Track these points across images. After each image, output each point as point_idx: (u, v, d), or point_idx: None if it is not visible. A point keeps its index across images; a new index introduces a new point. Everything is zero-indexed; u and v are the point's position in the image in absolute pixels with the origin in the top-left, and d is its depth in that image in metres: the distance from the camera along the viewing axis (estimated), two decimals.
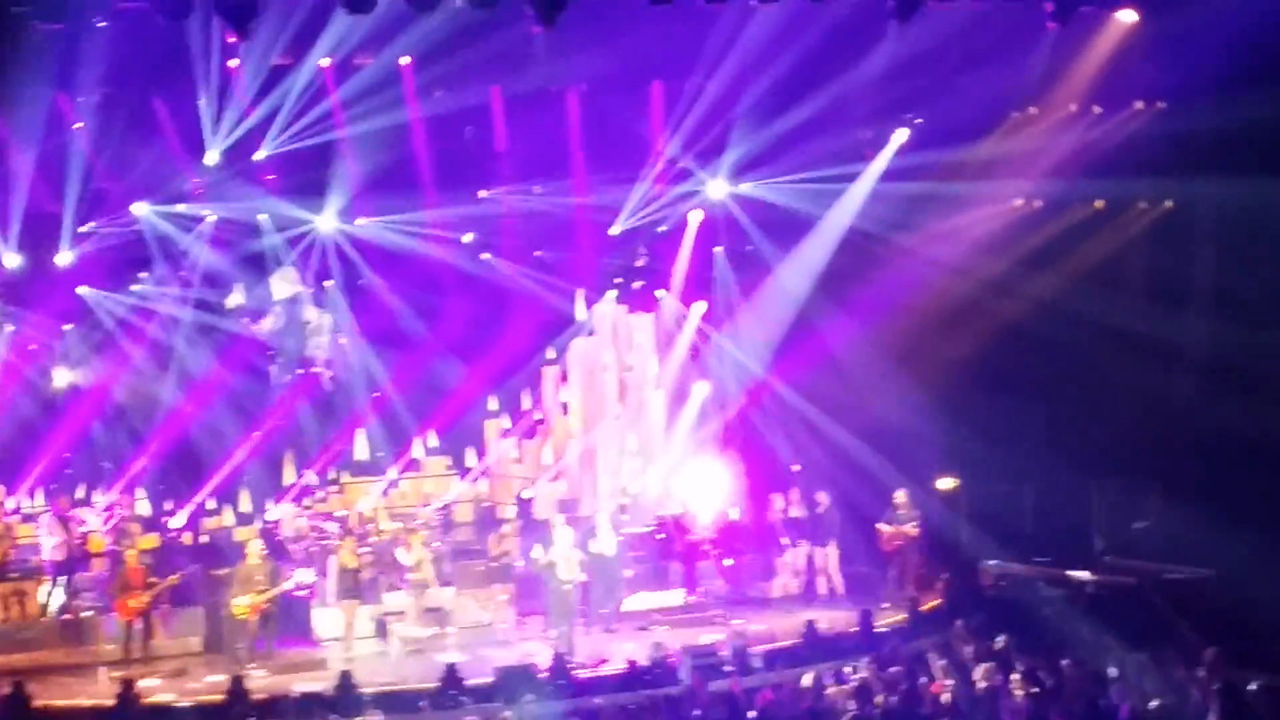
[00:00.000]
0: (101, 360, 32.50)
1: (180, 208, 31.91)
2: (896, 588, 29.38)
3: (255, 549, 26.34)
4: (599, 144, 31.68)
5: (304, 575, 27.50)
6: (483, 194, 32.97)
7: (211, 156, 30.52)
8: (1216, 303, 30.82)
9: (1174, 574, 27.58)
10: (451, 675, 23.71)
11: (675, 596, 29.57)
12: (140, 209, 31.49)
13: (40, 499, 30.59)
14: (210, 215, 32.17)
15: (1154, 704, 18.72)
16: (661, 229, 33.98)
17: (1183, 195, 31.37)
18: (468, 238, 33.76)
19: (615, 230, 33.30)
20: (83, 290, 31.98)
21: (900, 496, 29.64)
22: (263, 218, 32.67)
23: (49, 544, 28.12)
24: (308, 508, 31.14)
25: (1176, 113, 29.76)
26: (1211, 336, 30.73)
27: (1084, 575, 28.52)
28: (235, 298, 33.20)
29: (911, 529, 29.41)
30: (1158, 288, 31.34)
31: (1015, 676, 20.58)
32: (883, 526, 29.65)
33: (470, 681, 23.80)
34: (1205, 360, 30.90)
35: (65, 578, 27.80)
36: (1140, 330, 30.52)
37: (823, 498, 30.26)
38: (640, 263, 34.62)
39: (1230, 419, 29.19)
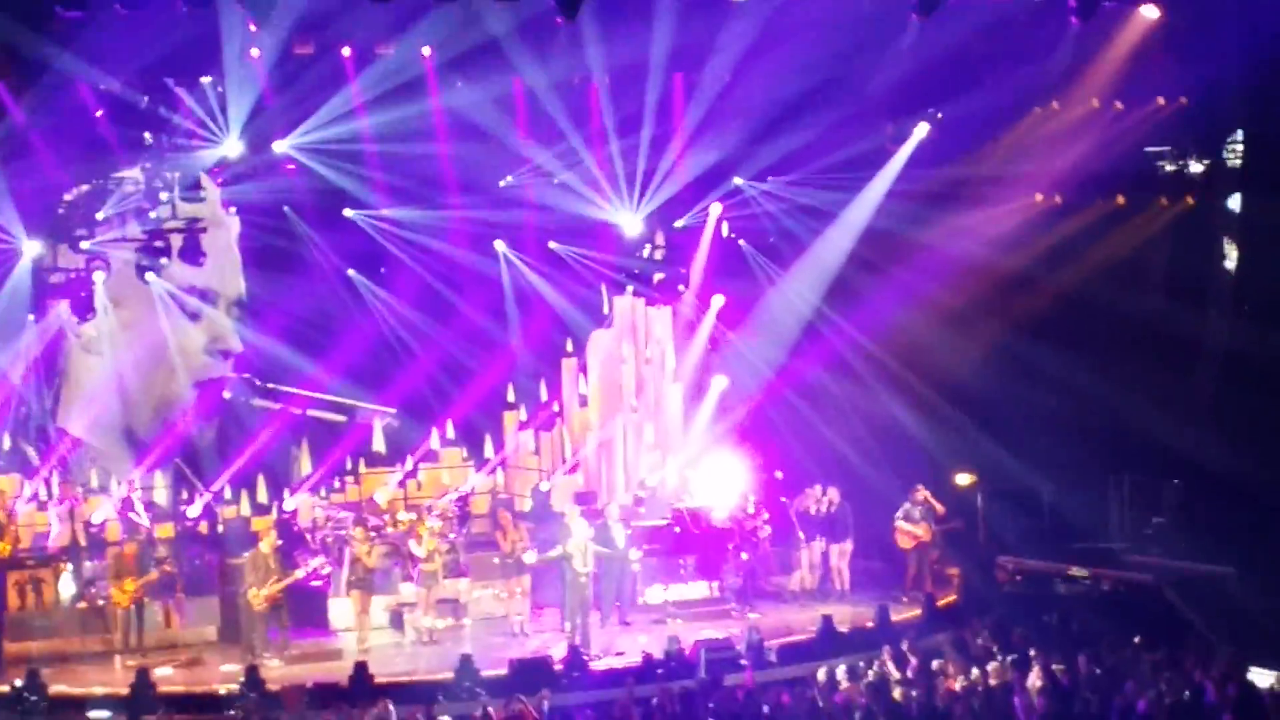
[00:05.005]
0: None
1: (204, 196, 31.87)
2: (913, 584, 29.32)
3: (268, 538, 26.28)
4: (621, 136, 31.65)
5: (319, 565, 27.50)
6: (504, 182, 32.97)
7: (233, 146, 30.55)
8: (1237, 298, 30.79)
9: (1192, 571, 27.46)
10: (466, 667, 23.66)
11: (691, 590, 29.48)
12: (164, 198, 31.41)
13: (56, 486, 30.59)
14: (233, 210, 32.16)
15: (1169, 702, 18.65)
16: (680, 223, 33.92)
17: (1204, 192, 31.36)
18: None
19: (636, 222, 33.27)
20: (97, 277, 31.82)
21: (920, 493, 29.56)
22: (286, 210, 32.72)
23: (56, 532, 28.22)
24: (324, 498, 31.11)
25: (1198, 108, 29.78)
26: (1231, 332, 30.69)
27: (1101, 572, 28.47)
28: None
29: (927, 528, 29.31)
30: (1178, 283, 31.29)
31: (1031, 673, 20.54)
32: (901, 523, 29.56)
33: (485, 673, 23.70)
34: (1225, 356, 30.85)
35: (71, 565, 27.78)
36: (1160, 326, 30.51)
37: (834, 494, 30.13)
38: (659, 255, 34.52)
39: (1249, 415, 29.16)
